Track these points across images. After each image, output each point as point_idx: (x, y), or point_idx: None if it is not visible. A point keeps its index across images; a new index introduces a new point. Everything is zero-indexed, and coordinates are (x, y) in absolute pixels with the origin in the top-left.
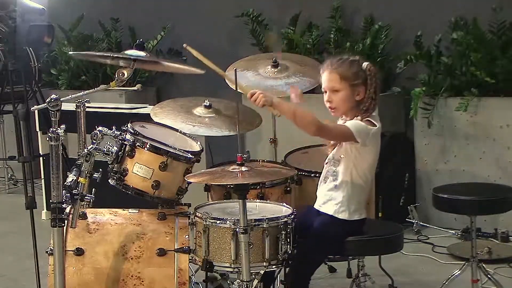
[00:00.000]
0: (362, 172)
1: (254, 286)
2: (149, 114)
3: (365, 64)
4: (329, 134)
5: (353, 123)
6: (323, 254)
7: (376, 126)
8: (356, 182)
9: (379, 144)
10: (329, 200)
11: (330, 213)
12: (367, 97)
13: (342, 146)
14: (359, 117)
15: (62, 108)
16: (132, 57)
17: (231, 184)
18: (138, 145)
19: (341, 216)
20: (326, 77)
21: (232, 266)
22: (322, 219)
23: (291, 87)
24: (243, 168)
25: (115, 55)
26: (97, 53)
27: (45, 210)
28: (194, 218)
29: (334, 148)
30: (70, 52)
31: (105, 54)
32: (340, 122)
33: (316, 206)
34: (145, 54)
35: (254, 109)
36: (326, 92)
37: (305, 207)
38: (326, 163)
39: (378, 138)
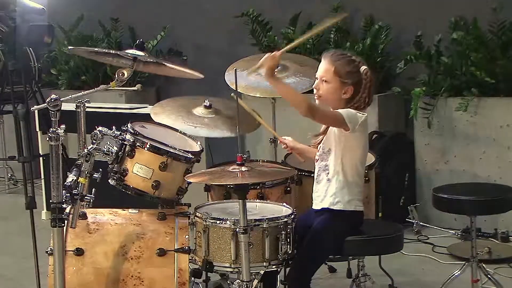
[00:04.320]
0: (352, 161)
1: (254, 286)
2: (149, 114)
3: (363, 68)
4: (320, 115)
5: (344, 110)
6: (323, 255)
7: (365, 114)
8: (348, 172)
9: (367, 134)
10: (325, 196)
11: (326, 206)
12: (358, 99)
13: (330, 138)
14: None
15: (62, 108)
16: (132, 56)
17: (231, 184)
18: (138, 145)
19: (337, 207)
20: (321, 65)
21: (232, 266)
22: (320, 217)
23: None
24: (243, 168)
25: (115, 52)
26: (96, 49)
27: (45, 210)
28: (194, 218)
29: (320, 144)
30: (69, 47)
31: (104, 50)
32: None
33: (314, 207)
34: (144, 54)
35: (254, 109)
36: (317, 78)
37: (305, 212)
38: (317, 161)
39: (366, 126)
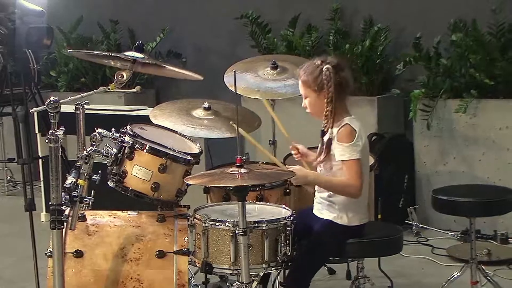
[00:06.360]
0: None
1: None
2: (148, 116)
3: (324, 67)
4: (359, 179)
5: (344, 152)
6: (322, 258)
7: (356, 130)
8: None
9: (367, 143)
10: (325, 207)
11: (330, 219)
12: (326, 102)
13: (332, 159)
14: (335, 129)
15: (61, 110)
16: (131, 58)
17: (230, 186)
18: (137, 147)
19: (340, 222)
20: (298, 85)
21: (232, 268)
22: (322, 224)
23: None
24: (242, 170)
25: (114, 55)
26: (96, 52)
27: (44, 212)
28: (193, 220)
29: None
30: (69, 50)
31: (103, 53)
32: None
33: (314, 211)
34: (143, 56)
35: (253, 110)
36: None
37: (305, 208)
38: (319, 166)
39: (363, 138)
